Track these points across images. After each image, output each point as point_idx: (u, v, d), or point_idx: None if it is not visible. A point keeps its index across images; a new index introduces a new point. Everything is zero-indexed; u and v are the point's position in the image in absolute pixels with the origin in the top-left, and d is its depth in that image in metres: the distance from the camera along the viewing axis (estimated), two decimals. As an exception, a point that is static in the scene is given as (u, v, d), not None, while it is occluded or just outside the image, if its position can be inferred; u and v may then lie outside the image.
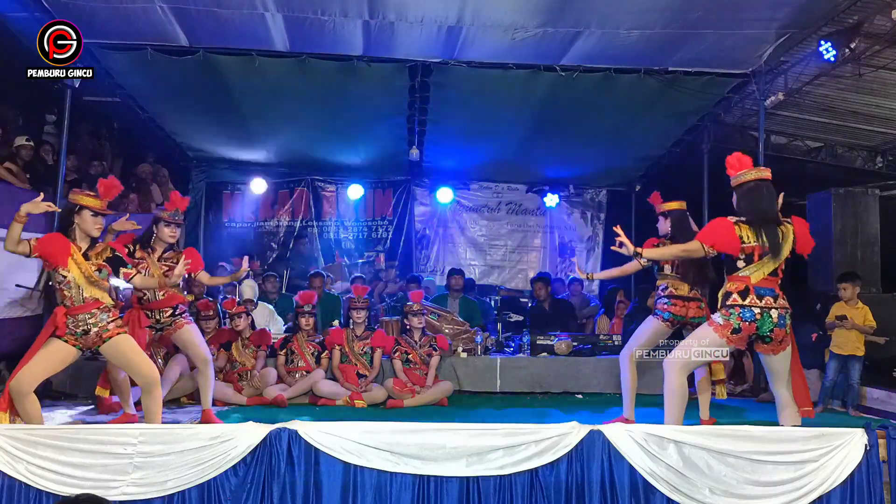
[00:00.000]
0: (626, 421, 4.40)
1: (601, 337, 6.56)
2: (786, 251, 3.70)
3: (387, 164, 9.40)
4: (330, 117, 7.57)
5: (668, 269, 4.62)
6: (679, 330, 4.63)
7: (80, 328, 3.74)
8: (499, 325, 6.96)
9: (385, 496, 3.26)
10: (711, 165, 7.39)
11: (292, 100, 7.06)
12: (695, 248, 3.75)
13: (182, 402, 5.33)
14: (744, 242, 3.65)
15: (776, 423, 3.84)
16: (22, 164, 6.43)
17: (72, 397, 5.47)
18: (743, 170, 3.81)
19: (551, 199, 10.01)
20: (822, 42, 5.39)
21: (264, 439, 3.26)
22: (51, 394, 5.36)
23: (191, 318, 4.70)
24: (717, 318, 3.72)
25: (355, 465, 3.27)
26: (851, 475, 3.36)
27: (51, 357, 3.71)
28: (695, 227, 4.63)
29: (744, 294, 3.65)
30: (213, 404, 4.75)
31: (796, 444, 3.40)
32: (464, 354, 6.19)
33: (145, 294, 4.52)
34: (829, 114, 7.19)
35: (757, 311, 3.62)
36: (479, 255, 10.30)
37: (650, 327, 4.59)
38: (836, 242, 7.52)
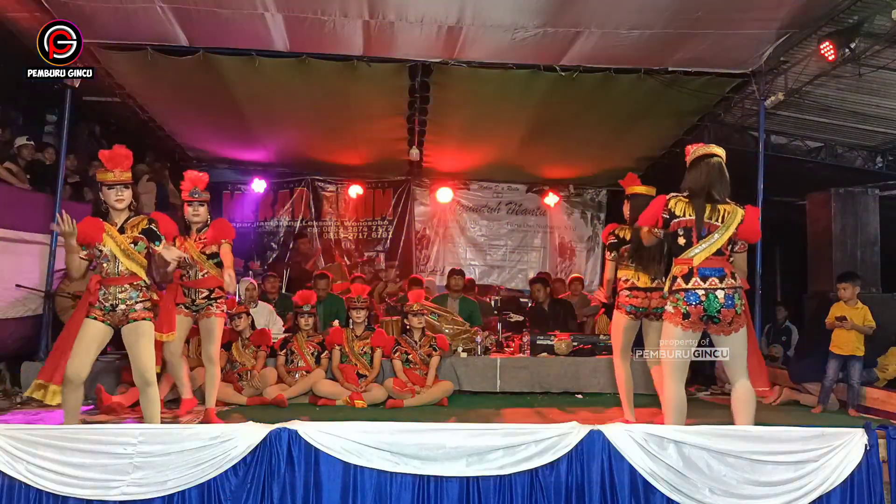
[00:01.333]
0: (627, 422, 4.40)
1: (601, 337, 6.54)
2: (725, 234, 3.61)
3: (387, 164, 9.40)
4: (330, 117, 7.58)
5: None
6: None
7: (110, 302, 3.76)
8: (499, 325, 6.97)
9: (385, 496, 3.25)
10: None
11: (292, 100, 7.06)
12: (641, 230, 3.81)
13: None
14: (674, 216, 3.66)
15: (776, 424, 3.83)
16: (23, 165, 6.43)
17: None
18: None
19: (551, 199, 10.02)
20: (822, 42, 5.40)
21: (264, 439, 3.25)
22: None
23: (225, 312, 4.75)
24: (668, 307, 3.73)
25: (355, 465, 3.26)
26: (851, 475, 3.35)
27: (90, 339, 3.75)
28: None
29: (687, 277, 3.63)
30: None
31: (796, 444, 3.39)
32: (464, 354, 6.20)
33: (187, 272, 4.55)
34: (829, 114, 7.19)
35: (701, 293, 3.59)
36: (479, 255, 10.31)
37: (618, 323, 4.57)
38: (836, 242, 7.52)
